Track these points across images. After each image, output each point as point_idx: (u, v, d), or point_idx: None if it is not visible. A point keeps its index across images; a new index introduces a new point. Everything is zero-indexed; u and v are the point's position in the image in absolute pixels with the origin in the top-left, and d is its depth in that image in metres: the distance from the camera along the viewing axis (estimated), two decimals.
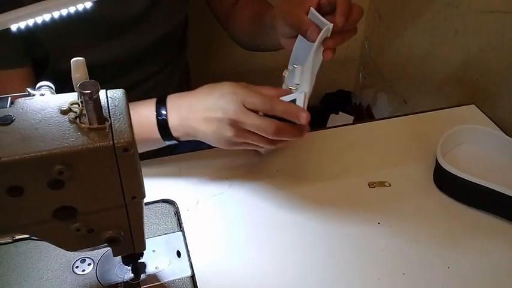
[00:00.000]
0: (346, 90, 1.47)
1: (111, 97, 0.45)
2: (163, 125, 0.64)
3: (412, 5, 1.18)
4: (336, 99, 1.46)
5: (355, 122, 1.39)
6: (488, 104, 0.92)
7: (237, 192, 0.70)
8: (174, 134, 0.65)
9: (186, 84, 0.99)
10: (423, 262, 0.62)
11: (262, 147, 0.66)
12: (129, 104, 0.45)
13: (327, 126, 1.40)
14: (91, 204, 0.44)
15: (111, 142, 0.41)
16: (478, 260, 0.63)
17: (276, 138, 0.62)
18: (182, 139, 0.66)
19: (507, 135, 0.82)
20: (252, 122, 0.60)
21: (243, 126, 0.61)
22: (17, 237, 0.60)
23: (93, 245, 0.49)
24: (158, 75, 0.87)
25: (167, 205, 0.67)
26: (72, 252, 0.59)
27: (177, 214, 0.66)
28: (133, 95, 0.82)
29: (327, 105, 1.46)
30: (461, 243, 0.65)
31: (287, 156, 0.77)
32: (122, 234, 0.48)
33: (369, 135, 0.82)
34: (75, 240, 0.47)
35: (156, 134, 0.65)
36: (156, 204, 0.67)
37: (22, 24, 0.44)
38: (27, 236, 0.60)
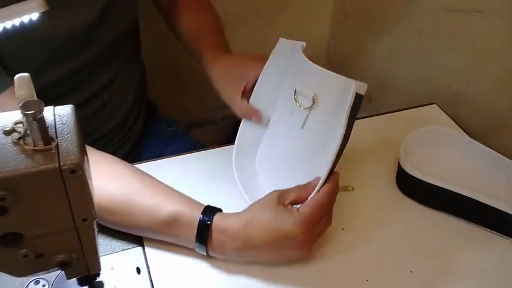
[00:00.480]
0: None
1: (58, 114, 0.42)
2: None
3: (377, 4, 1.18)
4: None
5: None
6: (450, 104, 0.93)
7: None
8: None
9: (143, 82, 0.97)
10: (387, 267, 0.63)
11: None
12: None
13: None
14: (38, 229, 0.42)
15: (57, 164, 0.39)
16: (441, 263, 0.63)
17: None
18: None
19: (468, 135, 0.83)
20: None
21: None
22: None
23: (43, 269, 0.46)
24: (119, 78, 0.84)
25: None
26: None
27: None
28: (100, 100, 0.79)
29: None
30: (424, 246, 0.66)
31: None
32: (74, 256, 0.46)
33: None
34: (24, 266, 0.44)
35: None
36: None
37: None
38: None
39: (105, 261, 0.51)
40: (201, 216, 0.57)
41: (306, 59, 0.62)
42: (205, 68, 0.77)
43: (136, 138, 0.93)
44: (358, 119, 0.87)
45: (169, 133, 0.98)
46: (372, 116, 0.88)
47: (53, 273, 0.56)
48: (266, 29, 1.30)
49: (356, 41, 1.30)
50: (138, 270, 0.59)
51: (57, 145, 0.40)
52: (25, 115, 0.38)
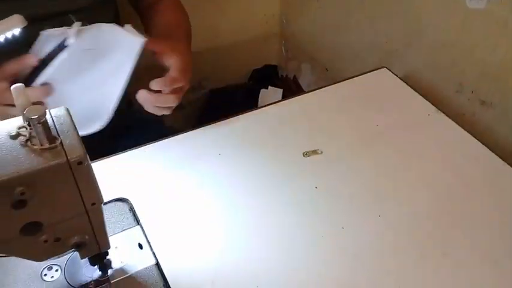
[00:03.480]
0: (272, 64, 1.54)
1: (55, 116, 0.48)
2: None
3: None
4: (264, 74, 1.52)
5: (284, 94, 1.47)
6: (398, 66, 1.02)
7: (187, 181, 0.75)
8: None
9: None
10: (358, 215, 0.71)
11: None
12: None
13: (259, 101, 1.47)
14: (55, 216, 0.48)
15: (65, 159, 0.45)
16: (404, 208, 0.73)
17: None
18: None
19: (416, 92, 0.93)
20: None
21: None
22: None
23: (61, 252, 0.52)
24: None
25: (121, 203, 0.71)
26: (38, 262, 0.62)
27: (132, 210, 0.70)
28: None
29: (256, 81, 1.53)
30: (388, 191, 0.75)
31: (227, 139, 0.83)
32: (87, 237, 0.52)
33: (298, 109, 0.90)
34: (44, 251, 0.50)
35: None
36: (110, 204, 0.71)
37: None
38: None
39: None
40: None
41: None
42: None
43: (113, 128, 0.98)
44: (317, 89, 0.96)
45: (145, 121, 1.03)
46: (329, 85, 0.96)
47: (64, 257, 0.62)
48: (218, 13, 1.35)
49: (306, 15, 1.37)
50: (140, 246, 0.65)
51: (61, 142, 0.46)
52: (30, 120, 0.43)
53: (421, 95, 0.92)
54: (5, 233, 0.46)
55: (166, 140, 0.84)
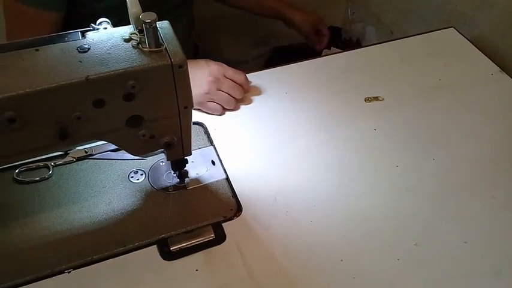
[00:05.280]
0: (336, 26, 1.57)
1: (160, 27, 0.55)
2: None
3: None
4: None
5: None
6: (466, 28, 1.04)
7: (255, 113, 0.82)
8: None
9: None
10: (412, 156, 0.76)
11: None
12: None
13: None
14: (154, 113, 0.56)
15: (169, 61, 0.52)
16: (458, 151, 0.77)
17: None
18: None
19: (484, 54, 0.94)
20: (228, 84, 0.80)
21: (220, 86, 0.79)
22: (78, 156, 0.72)
23: (153, 150, 0.61)
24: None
25: (197, 126, 0.79)
26: (126, 166, 0.71)
27: (207, 133, 0.78)
28: None
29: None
30: (444, 139, 0.79)
31: (293, 81, 0.89)
32: (175, 139, 0.60)
33: (363, 59, 0.94)
34: (141, 145, 0.59)
35: None
36: None
37: None
38: (87, 154, 0.72)
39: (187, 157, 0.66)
40: None
41: None
42: (285, 14, 1.26)
43: None
44: (380, 43, 1.00)
45: None
46: (394, 39, 0.99)
47: (147, 164, 0.71)
48: None
49: None
50: (213, 163, 0.73)
51: (165, 48, 0.53)
52: (144, 23, 0.51)
53: (486, 56, 0.94)
54: (114, 122, 0.55)
55: None
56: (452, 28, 1.01)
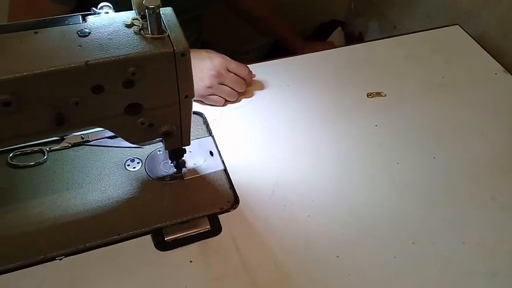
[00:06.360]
0: (339, 20, 1.55)
1: (163, 13, 0.54)
2: None
3: None
4: (330, 29, 1.54)
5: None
6: (471, 26, 1.03)
7: (256, 105, 0.81)
8: None
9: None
10: (413, 154, 0.75)
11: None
12: None
13: None
14: (154, 101, 0.55)
15: (171, 49, 0.51)
16: (459, 150, 0.76)
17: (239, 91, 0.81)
18: None
19: (488, 53, 0.93)
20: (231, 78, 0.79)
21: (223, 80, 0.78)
22: (74, 141, 0.71)
23: (151, 138, 0.60)
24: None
25: (197, 116, 0.78)
26: (123, 154, 0.70)
27: (206, 123, 0.77)
28: None
29: (321, 35, 1.54)
30: (445, 137, 0.78)
31: (295, 74, 0.88)
32: (174, 128, 0.59)
33: (366, 54, 0.93)
34: (140, 134, 0.58)
35: None
36: None
37: None
38: (83, 140, 0.71)
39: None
40: None
41: None
42: (286, 37, 1.25)
43: None
44: (384, 38, 0.98)
45: None
46: (398, 35, 0.98)
47: (145, 152, 0.70)
48: None
49: None
50: (211, 153, 0.72)
51: (168, 35, 0.52)
52: (147, 8, 0.50)
53: (490, 55, 0.93)
54: (113, 109, 0.53)
55: None
56: (457, 25, 1.00)
